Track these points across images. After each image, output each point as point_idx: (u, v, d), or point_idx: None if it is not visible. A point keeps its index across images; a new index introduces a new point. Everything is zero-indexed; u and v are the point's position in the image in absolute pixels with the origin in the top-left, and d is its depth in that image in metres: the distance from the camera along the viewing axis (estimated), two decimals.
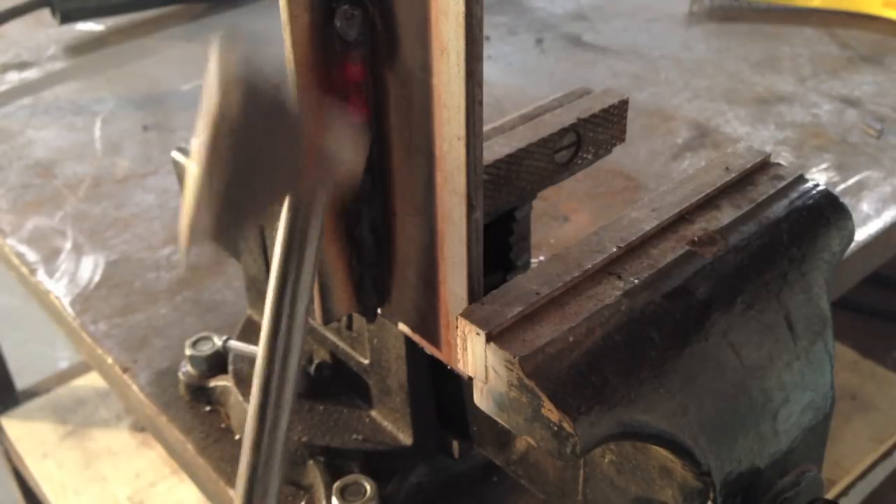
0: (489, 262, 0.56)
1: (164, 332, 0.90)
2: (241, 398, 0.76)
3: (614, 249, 0.55)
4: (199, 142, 0.43)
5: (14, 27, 1.51)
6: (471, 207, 0.52)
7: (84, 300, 0.95)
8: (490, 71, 1.24)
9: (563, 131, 0.65)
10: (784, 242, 0.57)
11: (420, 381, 0.68)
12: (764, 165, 0.62)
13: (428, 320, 0.58)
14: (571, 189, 1.05)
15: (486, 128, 0.63)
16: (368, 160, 0.56)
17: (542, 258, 0.92)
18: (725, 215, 0.58)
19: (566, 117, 0.66)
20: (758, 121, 1.19)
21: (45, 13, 1.48)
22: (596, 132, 0.67)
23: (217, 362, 0.81)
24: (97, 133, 1.24)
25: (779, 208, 0.59)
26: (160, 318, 0.92)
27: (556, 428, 0.47)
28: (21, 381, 1.63)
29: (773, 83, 1.28)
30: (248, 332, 0.82)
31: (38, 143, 1.23)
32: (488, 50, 1.39)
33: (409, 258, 0.58)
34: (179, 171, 0.84)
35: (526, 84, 1.31)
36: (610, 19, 1.51)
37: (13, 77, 1.40)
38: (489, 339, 0.49)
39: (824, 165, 1.09)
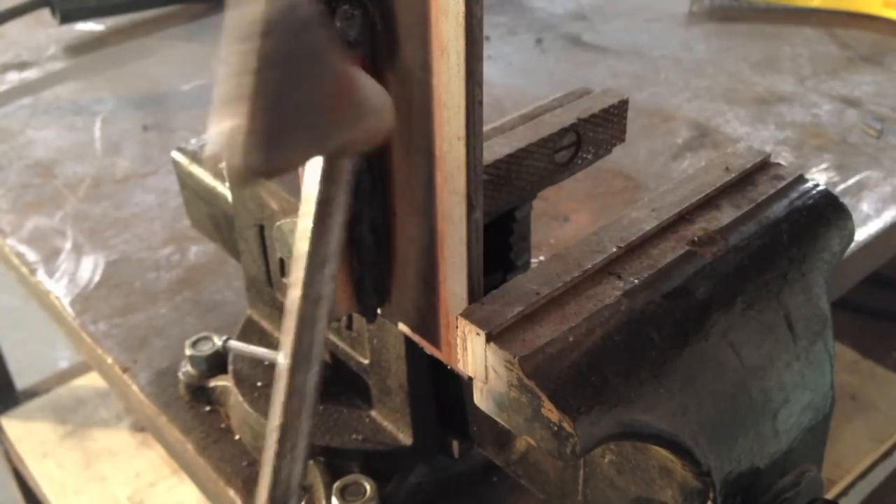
0: (489, 262, 0.56)
1: (164, 332, 0.90)
2: (241, 398, 0.76)
3: (614, 249, 0.54)
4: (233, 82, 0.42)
5: (14, 27, 1.51)
6: (471, 207, 0.51)
7: (84, 300, 0.95)
8: (490, 71, 1.24)
9: (563, 131, 0.65)
10: (784, 242, 0.57)
11: (420, 381, 0.68)
12: (764, 165, 0.62)
13: (428, 320, 0.58)
14: (571, 189, 1.05)
15: (486, 128, 0.63)
16: (368, 160, 0.56)
17: (542, 258, 0.92)
18: (725, 215, 0.58)
19: (566, 117, 0.66)
20: (758, 121, 1.19)
21: (45, 13, 1.48)
22: (596, 132, 0.67)
23: (217, 362, 0.81)
24: (97, 133, 1.24)
25: (779, 208, 0.59)
26: (160, 318, 0.92)
27: (556, 428, 0.47)
28: (21, 381, 1.63)
29: (773, 83, 1.28)
30: (249, 332, 0.82)
31: (38, 143, 1.23)
32: (488, 50, 1.39)
33: (409, 258, 0.58)
34: (179, 171, 0.84)
35: (526, 84, 1.31)
36: (610, 19, 1.51)
37: (13, 77, 1.40)
38: (489, 339, 0.49)
39: (824, 165, 1.09)
